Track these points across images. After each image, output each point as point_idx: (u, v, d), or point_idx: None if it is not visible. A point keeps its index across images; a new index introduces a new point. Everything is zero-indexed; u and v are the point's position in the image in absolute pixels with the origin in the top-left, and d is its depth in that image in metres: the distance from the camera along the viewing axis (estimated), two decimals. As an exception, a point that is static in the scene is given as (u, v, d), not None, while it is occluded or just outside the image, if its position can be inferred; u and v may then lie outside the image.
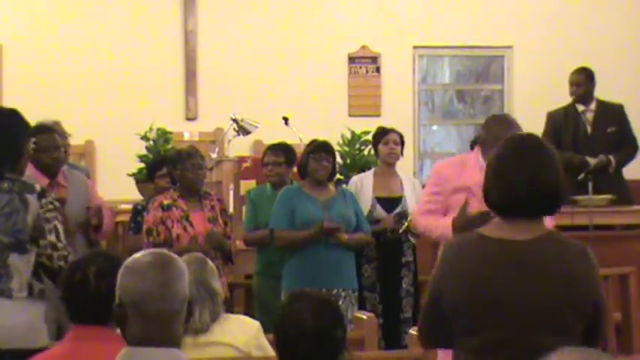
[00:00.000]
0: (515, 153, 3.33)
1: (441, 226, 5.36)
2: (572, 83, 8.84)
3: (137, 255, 3.12)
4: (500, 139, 5.14)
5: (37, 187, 4.85)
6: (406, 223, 7.24)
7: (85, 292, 3.55)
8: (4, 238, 4.70)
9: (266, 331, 4.66)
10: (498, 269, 3.24)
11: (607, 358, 2.35)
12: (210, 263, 4.60)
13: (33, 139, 5.31)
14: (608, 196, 8.10)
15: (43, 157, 6.25)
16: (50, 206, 4.84)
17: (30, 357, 3.61)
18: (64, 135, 7.29)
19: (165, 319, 3.03)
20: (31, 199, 4.77)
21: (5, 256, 4.70)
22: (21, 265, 4.71)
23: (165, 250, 3.19)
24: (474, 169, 5.37)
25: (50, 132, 6.41)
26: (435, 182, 5.55)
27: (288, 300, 3.43)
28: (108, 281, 3.49)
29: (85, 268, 3.59)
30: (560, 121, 8.71)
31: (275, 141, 7.63)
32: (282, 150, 7.36)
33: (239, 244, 7.54)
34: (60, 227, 4.86)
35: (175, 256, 3.14)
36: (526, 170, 3.28)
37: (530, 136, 3.44)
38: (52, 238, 4.80)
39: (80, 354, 3.48)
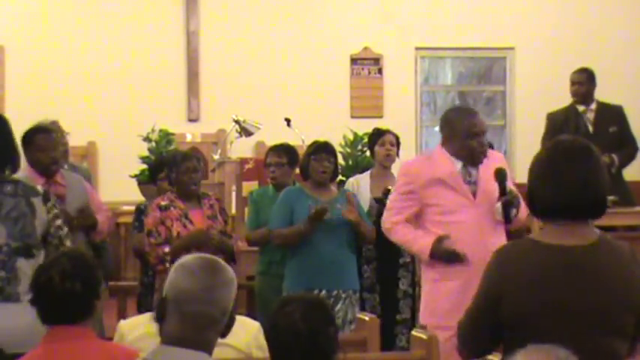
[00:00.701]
0: (566, 156, 3.31)
1: (419, 245, 5.45)
2: (573, 82, 8.87)
3: (192, 255, 3.15)
4: (471, 128, 5.28)
5: (40, 190, 4.87)
6: None
7: (51, 293, 3.55)
8: (13, 243, 4.71)
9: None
10: (561, 276, 3.25)
11: (565, 354, 2.45)
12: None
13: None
14: (611, 197, 8.09)
15: (41, 156, 6.26)
16: (55, 210, 4.87)
17: None
18: (62, 133, 7.29)
19: (201, 323, 3.04)
20: (37, 202, 4.79)
21: (13, 260, 4.71)
22: (28, 269, 4.73)
23: (219, 259, 3.19)
24: (442, 161, 5.44)
25: (48, 132, 6.42)
26: (406, 181, 5.54)
27: (277, 305, 3.43)
28: (73, 280, 3.52)
29: (50, 270, 3.60)
30: (561, 122, 8.74)
31: (277, 142, 7.63)
32: (285, 151, 7.36)
33: (241, 245, 7.54)
34: (66, 229, 4.91)
35: (228, 267, 3.16)
36: (579, 173, 3.27)
37: (579, 140, 3.43)
38: (67, 244, 4.86)
39: (55, 355, 3.49)
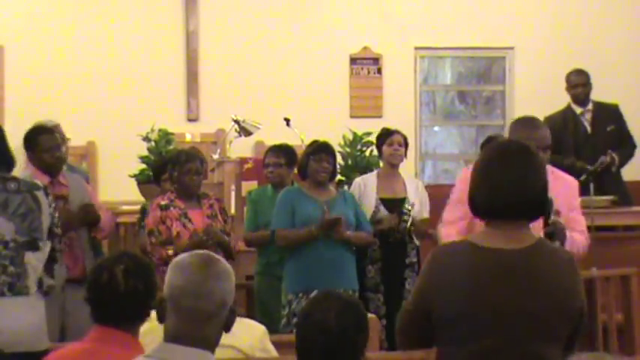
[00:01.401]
0: (501, 157, 3.34)
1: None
2: (575, 85, 8.88)
3: (190, 252, 3.18)
4: (525, 141, 5.12)
5: (40, 184, 4.96)
6: (409, 222, 7.26)
7: (113, 291, 3.54)
8: (20, 238, 4.80)
9: (269, 331, 4.66)
10: (493, 279, 3.25)
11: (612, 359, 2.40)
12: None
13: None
14: (610, 197, 8.11)
15: (45, 156, 6.30)
16: (53, 204, 4.98)
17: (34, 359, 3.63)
18: (64, 139, 7.33)
19: (197, 318, 3.06)
20: (41, 196, 4.89)
21: (21, 255, 4.79)
22: (35, 263, 4.82)
23: (214, 254, 3.21)
24: None
25: (51, 132, 6.47)
26: (463, 189, 5.37)
27: (315, 297, 3.45)
28: (135, 280, 3.52)
29: (112, 268, 3.59)
30: (559, 125, 8.75)
31: (276, 142, 7.63)
32: (283, 151, 7.37)
33: (240, 245, 7.54)
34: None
35: (223, 260, 3.18)
36: (512, 174, 3.28)
37: (516, 141, 3.49)
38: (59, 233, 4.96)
39: (100, 355, 3.48)
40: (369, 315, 5.22)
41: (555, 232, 4.99)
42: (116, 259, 3.65)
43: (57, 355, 3.60)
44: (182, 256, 3.16)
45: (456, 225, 5.25)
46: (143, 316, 3.58)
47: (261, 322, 4.72)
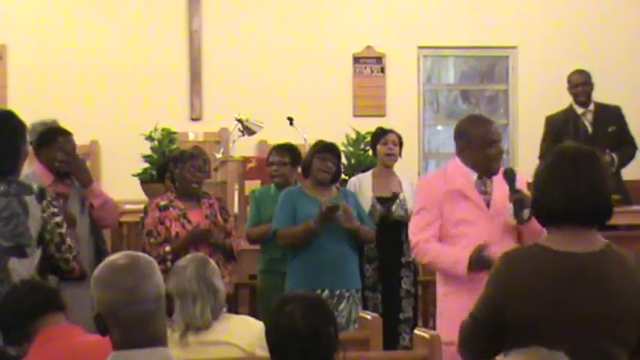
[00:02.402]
0: (572, 162, 3.32)
1: (453, 257, 5.19)
2: (576, 84, 8.89)
3: (103, 263, 3.12)
4: (488, 135, 5.23)
5: (35, 188, 4.84)
6: (399, 201, 7.27)
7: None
8: (4, 242, 4.69)
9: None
10: (570, 282, 3.24)
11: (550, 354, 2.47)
12: (212, 262, 4.62)
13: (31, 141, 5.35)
14: (614, 196, 8.11)
15: (59, 156, 6.27)
16: (52, 209, 4.83)
17: None
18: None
19: (141, 322, 3.03)
20: (30, 201, 4.76)
21: (5, 260, 4.70)
22: (21, 269, 4.70)
23: (130, 252, 3.18)
24: (457, 173, 5.34)
25: (68, 135, 6.44)
26: (424, 197, 5.40)
27: (277, 304, 3.42)
28: None
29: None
30: (560, 124, 8.77)
31: (280, 141, 7.64)
32: (288, 150, 7.37)
33: (243, 244, 7.54)
34: (65, 226, 4.89)
35: (141, 255, 3.14)
36: (585, 180, 3.28)
37: (584, 146, 3.44)
38: (68, 241, 4.84)
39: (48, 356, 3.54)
40: (372, 314, 5.24)
41: (523, 199, 5.07)
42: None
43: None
44: (100, 267, 3.10)
45: (427, 230, 5.29)
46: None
47: (264, 320, 4.72)
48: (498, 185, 5.30)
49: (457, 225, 5.28)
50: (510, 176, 5.24)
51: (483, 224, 5.25)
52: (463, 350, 3.44)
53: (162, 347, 3.08)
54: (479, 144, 5.29)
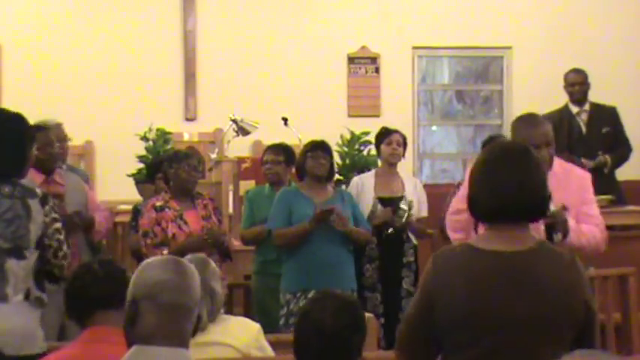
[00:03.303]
0: (501, 158, 3.31)
1: None
2: (573, 83, 8.91)
3: (152, 258, 3.19)
4: (528, 140, 5.11)
5: (39, 192, 4.86)
6: (404, 218, 7.25)
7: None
8: (3, 244, 4.70)
9: (265, 331, 4.67)
10: (495, 282, 3.22)
11: (612, 358, 2.39)
12: (213, 264, 4.62)
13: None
14: (608, 197, 8.12)
15: (37, 153, 6.27)
16: (53, 214, 4.85)
17: None
18: (64, 138, 7.33)
19: (178, 313, 3.04)
20: (33, 204, 4.78)
21: (2, 261, 4.70)
22: (18, 270, 4.71)
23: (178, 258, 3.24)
24: None
25: (44, 129, 6.45)
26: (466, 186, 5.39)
27: (313, 296, 3.44)
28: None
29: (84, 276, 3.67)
30: (555, 124, 8.75)
31: (274, 141, 7.64)
32: (282, 149, 7.38)
33: (237, 244, 7.55)
34: (64, 233, 4.90)
35: (189, 263, 3.19)
36: (513, 175, 3.26)
37: (516, 142, 3.47)
38: (65, 248, 4.84)
39: (89, 356, 3.48)
40: (367, 314, 5.24)
41: (555, 224, 4.94)
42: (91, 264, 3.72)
43: None
44: (151, 259, 3.15)
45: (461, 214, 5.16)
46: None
47: (259, 321, 4.73)
48: (557, 185, 4.91)
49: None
50: (547, 204, 5.02)
51: None
52: (399, 354, 3.43)
53: (185, 350, 3.07)
54: None
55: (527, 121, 5.29)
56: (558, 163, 5.28)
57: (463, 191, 5.28)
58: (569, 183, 5.14)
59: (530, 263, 3.24)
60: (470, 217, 5.09)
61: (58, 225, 4.86)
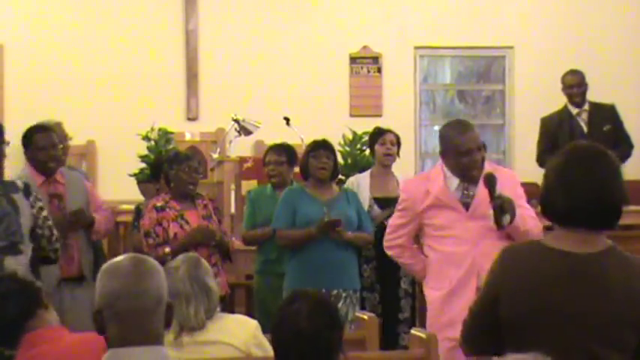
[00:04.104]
0: (582, 162, 3.24)
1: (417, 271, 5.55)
2: (571, 85, 8.91)
3: (110, 261, 3.17)
4: (460, 146, 5.25)
5: (20, 184, 4.87)
6: None
7: None
8: None
9: (265, 330, 4.66)
10: (561, 281, 3.19)
11: None
12: (204, 262, 4.62)
13: (8, 141, 5.33)
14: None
15: (40, 154, 6.27)
16: (39, 203, 4.88)
17: None
18: (64, 137, 7.33)
19: (139, 318, 3.05)
20: (19, 198, 4.79)
21: (1, 260, 4.71)
22: (16, 266, 4.73)
23: (137, 255, 3.22)
24: (437, 179, 5.40)
25: (46, 131, 6.44)
26: (403, 200, 5.56)
27: (286, 299, 3.43)
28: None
29: None
30: (555, 125, 8.80)
31: (276, 141, 7.64)
32: (285, 150, 7.38)
33: (239, 244, 7.55)
34: (51, 221, 4.94)
35: (149, 258, 3.19)
36: (594, 181, 3.20)
37: (594, 145, 3.33)
38: (55, 232, 4.87)
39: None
40: (369, 314, 5.24)
41: (504, 205, 5.11)
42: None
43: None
44: (108, 263, 3.16)
45: (399, 231, 5.53)
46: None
47: (260, 320, 4.72)
48: (484, 190, 5.28)
49: (438, 229, 5.38)
50: (490, 182, 5.20)
51: (463, 227, 5.30)
52: (464, 344, 3.42)
53: (159, 346, 3.09)
54: (453, 152, 5.31)
55: (456, 128, 5.42)
56: (487, 163, 5.46)
57: (404, 205, 5.49)
58: (502, 181, 5.27)
59: (597, 266, 3.20)
60: (409, 231, 5.41)
61: (45, 212, 4.90)
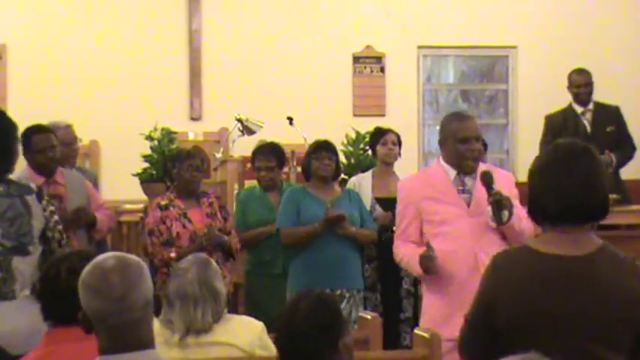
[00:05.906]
0: (567, 159, 3.24)
1: (411, 261, 5.35)
2: (579, 84, 8.91)
3: (91, 265, 3.08)
4: (458, 132, 5.23)
5: (33, 187, 4.88)
6: None
7: (56, 289, 3.52)
8: (7, 243, 4.72)
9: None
10: (552, 286, 3.19)
11: None
12: (214, 264, 4.61)
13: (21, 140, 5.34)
14: (613, 196, 8.12)
15: (38, 157, 6.27)
16: (51, 207, 4.89)
17: None
18: (75, 139, 7.30)
19: (128, 329, 3.03)
20: (32, 200, 4.80)
21: (9, 260, 4.72)
22: (24, 267, 4.74)
23: (118, 255, 3.12)
24: (436, 175, 5.38)
25: (46, 132, 6.42)
26: (402, 198, 5.50)
27: (291, 299, 3.44)
28: (78, 277, 3.51)
29: (58, 265, 3.57)
30: (560, 123, 8.81)
31: (280, 141, 7.63)
32: (273, 153, 7.37)
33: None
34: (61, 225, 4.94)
35: (132, 258, 3.10)
36: (578, 176, 3.20)
37: (578, 142, 3.33)
38: (64, 236, 4.88)
39: (55, 357, 3.47)
40: (371, 314, 5.24)
41: (502, 200, 5.10)
42: (64, 258, 3.63)
43: None
44: (89, 270, 3.06)
45: (404, 233, 5.42)
46: None
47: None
48: (480, 184, 5.27)
49: (438, 225, 5.33)
50: (487, 178, 5.19)
51: (464, 223, 5.27)
52: (461, 352, 3.42)
53: (151, 350, 3.07)
54: (452, 140, 5.29)
55: (456, 116, 5.47)
56: (482, 164, 5.44)
57: (405, 201, 5.42)
58: (498, 180, 5.26)
59: (589, 267, 3.20)
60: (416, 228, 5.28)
61: (56, 217, 4.90)
